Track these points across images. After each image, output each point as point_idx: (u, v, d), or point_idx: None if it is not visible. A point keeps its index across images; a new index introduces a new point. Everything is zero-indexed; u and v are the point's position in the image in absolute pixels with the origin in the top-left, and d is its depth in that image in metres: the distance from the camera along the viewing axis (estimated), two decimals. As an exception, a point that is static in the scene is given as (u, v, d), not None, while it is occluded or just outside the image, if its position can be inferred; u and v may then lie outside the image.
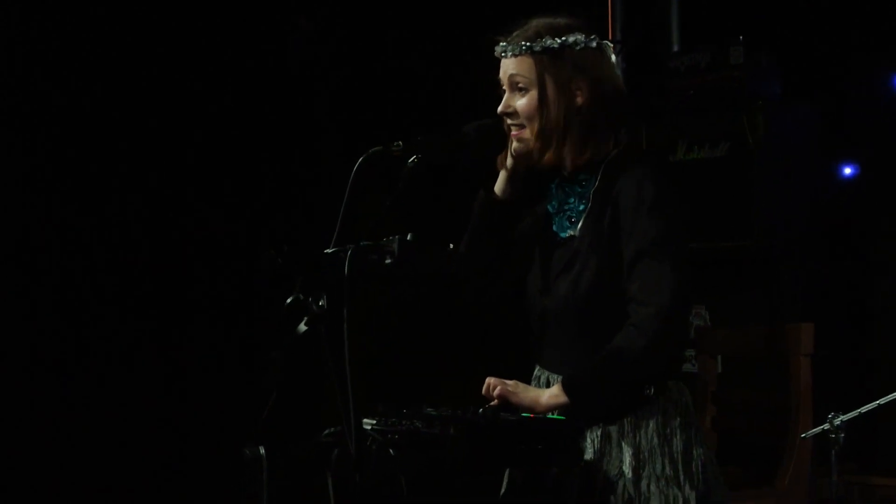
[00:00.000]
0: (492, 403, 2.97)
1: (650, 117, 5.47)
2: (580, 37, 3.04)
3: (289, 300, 2.67)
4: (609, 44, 3.12)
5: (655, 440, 2.98)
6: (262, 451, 2.65)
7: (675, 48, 5.77)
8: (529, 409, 2.94)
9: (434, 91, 5.74)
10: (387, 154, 2.94)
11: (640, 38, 5.74)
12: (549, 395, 2.94)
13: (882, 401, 3.28)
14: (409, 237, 2.71)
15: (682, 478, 2.98)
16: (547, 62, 3.03)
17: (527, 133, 3.05)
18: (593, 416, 2.98)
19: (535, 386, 3.08)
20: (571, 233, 3.06)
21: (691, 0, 5.78)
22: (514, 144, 3.09)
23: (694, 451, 3.01)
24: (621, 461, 2.97)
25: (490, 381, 3.00)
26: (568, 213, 3.08)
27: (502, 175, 3.16)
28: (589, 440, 2.98)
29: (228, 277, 5.53)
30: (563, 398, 2.92)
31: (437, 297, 5.19)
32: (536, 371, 3.13)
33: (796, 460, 3.89)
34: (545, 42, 3.03)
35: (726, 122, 5.25)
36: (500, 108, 3.08)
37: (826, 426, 3.24)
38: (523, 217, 3.20)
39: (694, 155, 5.33)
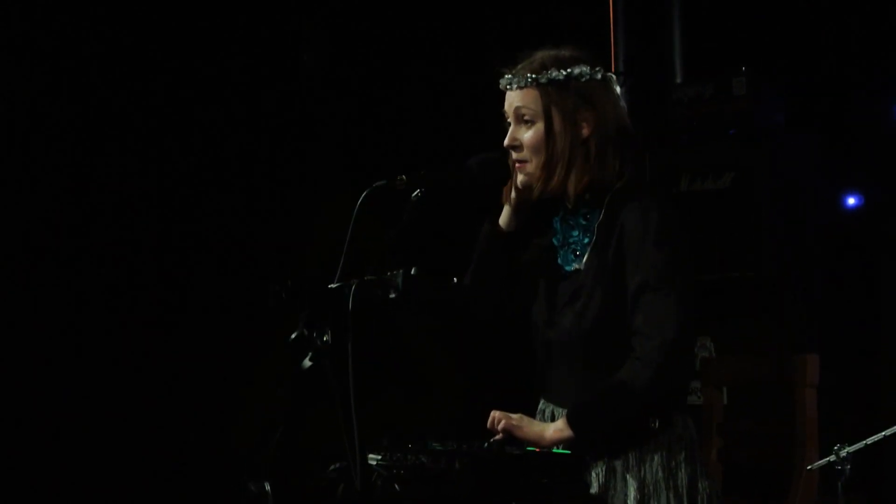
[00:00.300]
0: (497, 437, 2.97)
1: (654, 148, 5.46)
2: (585, 68, 3.04)
3: (293, 335, 2.66)
4: (613, 76, 3.12)
5: (660, 474, 2.97)
6: (268, 486, 2.64)
7: (678, 79, 5.77)
8: (534, 443, 2.93)
9: (438, 124, 5.75)
10: (391, 188, 2.94)
11: (642, 70, 5.74)
12: (554, 429, 2.94)
13: (888, 432, 3.25)
14: (412, 271, 2.70)
15: (687, 511, 2.98)
16: (553, 94, 3.02)
17: (531, 166, 3.05)
18: (598, 450, 2.97)
19: (540, 419, 3.07)
20: (577, 266, 3.05)
21: (694, 31, 5.79)
22: (519, 177, 3.08)
23: (699, 485, 3.00)
24: (626, 495, 2.96)
25: (495, 414, 2.99)
26: (573, 246, 3.08)
27: (507, 208, 3.15)
28: (594, 474, 2.97)
29: (231, 310, 5.53)
30: (567, 432, 2.92)
31: (442, 330, 5.18)
32: (541, 405, 3.13)
33: (802, 492, 3.86)
34: (551, 74, 3.02)
35: (730, 153, 5.25)
36: (505, 142, 3.07)
37: (832, 458, 3.23)
38: (527, 249, 3.19)
39: (698, 186, 5.32)
